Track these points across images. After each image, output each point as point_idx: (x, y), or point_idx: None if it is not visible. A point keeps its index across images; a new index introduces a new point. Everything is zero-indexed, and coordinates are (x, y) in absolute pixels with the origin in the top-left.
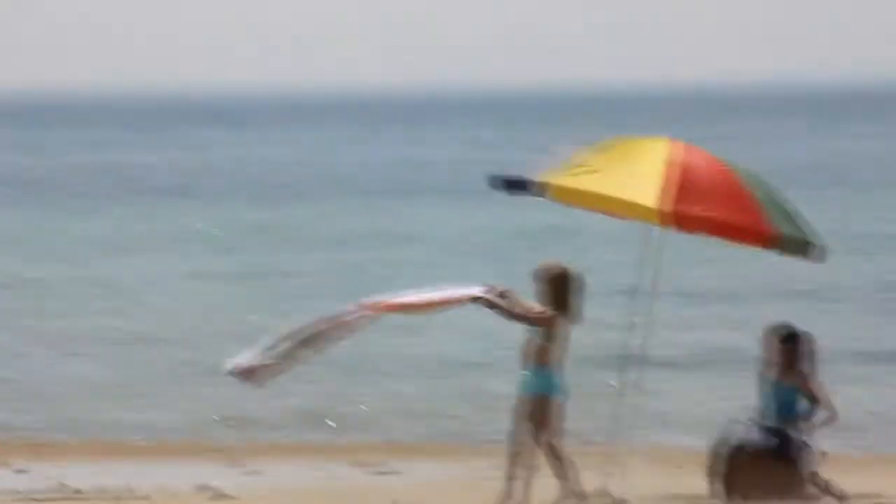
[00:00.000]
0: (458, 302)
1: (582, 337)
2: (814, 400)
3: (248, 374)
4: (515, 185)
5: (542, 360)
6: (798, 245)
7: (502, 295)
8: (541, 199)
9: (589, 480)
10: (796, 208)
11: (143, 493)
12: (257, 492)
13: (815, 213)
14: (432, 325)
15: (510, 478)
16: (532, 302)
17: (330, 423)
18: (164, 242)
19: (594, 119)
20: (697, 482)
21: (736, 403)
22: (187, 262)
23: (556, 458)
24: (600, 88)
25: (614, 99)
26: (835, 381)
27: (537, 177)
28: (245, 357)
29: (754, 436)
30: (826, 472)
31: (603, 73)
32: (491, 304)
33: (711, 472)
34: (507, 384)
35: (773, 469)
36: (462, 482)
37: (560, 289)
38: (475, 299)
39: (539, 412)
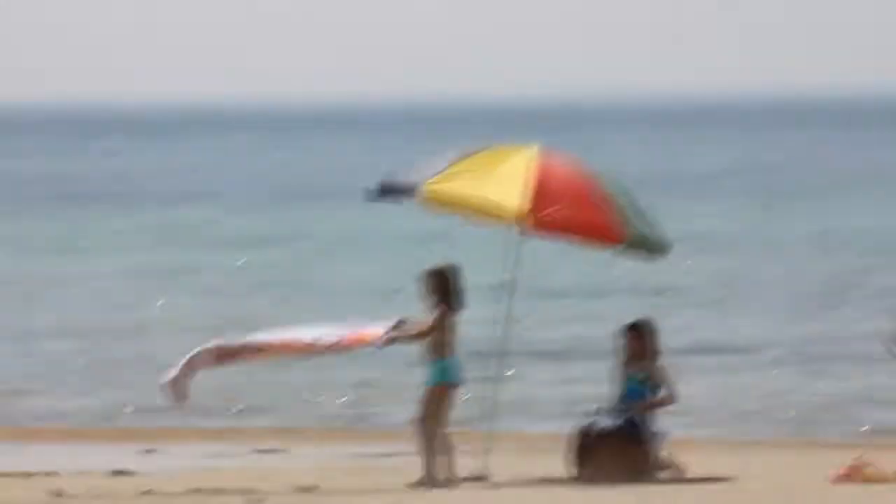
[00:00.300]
0: (360, 345)
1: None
2: (659, 386)
3: (173, 389)
4: (387, 192)
5: (439, 354)
6: (648, 245)
7: (398, 325)
8: (411, 203)
9: (461, 465)
10: (651, 212)
11: (51, 470)
12: (162, 471)
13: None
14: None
15: (429, 460)
16: (424, 316)
17: (232, 408)
18: (80, 243)
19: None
20: (559, 465)
21: (593, 391)
22: (104, 261)
23: (438, 443)
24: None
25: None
26: (679, 371)
27: (408, 184)
28: (170, 373)
29: (608, 421)
30: (669, 452)
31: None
32: (393, 341)
33: (569, 456)
34: (395, 374)
35: (623, 451)
36: (351, 464)
37: (444, 285)
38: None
39: (437, 400)
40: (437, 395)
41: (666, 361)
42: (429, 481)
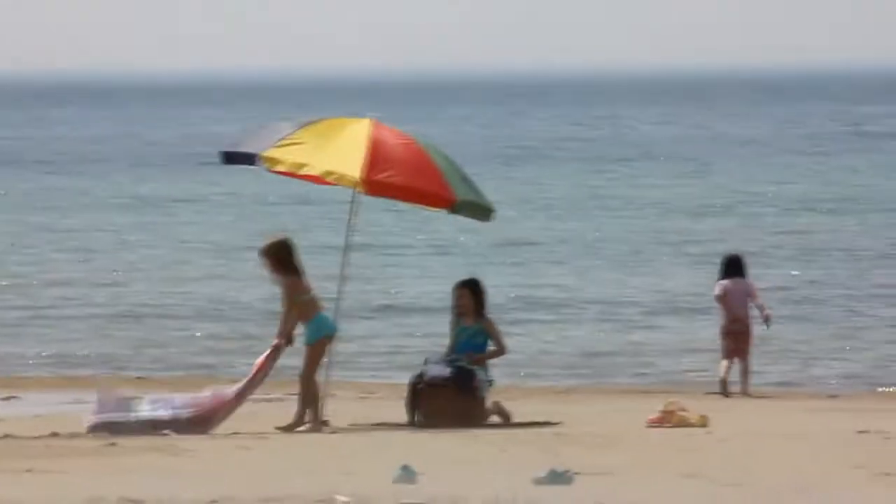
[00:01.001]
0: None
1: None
2: (490, 337)
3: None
4: (234, 158)
5: (308, 316)
6: (474, 209)
7: (278, 346)
8: (256, 167)
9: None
10: (473, 178)
11: None
12: (17, 415)
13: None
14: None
15: (304, 409)
16: (285, 318)
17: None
18: None
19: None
20: (397, 412)
21: (431, 343)
22: None
23: (311, 390)
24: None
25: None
26: (506, 323)
27: (254, 149)
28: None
29: (439, 370)
30: (497, 400)
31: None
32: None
33: (407, 403)
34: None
35: (454, 398)
36: None
37: (285, 256)
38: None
39: (318, 353)
40: (315, 351)
41: (494, 316)
42: (297, 426)
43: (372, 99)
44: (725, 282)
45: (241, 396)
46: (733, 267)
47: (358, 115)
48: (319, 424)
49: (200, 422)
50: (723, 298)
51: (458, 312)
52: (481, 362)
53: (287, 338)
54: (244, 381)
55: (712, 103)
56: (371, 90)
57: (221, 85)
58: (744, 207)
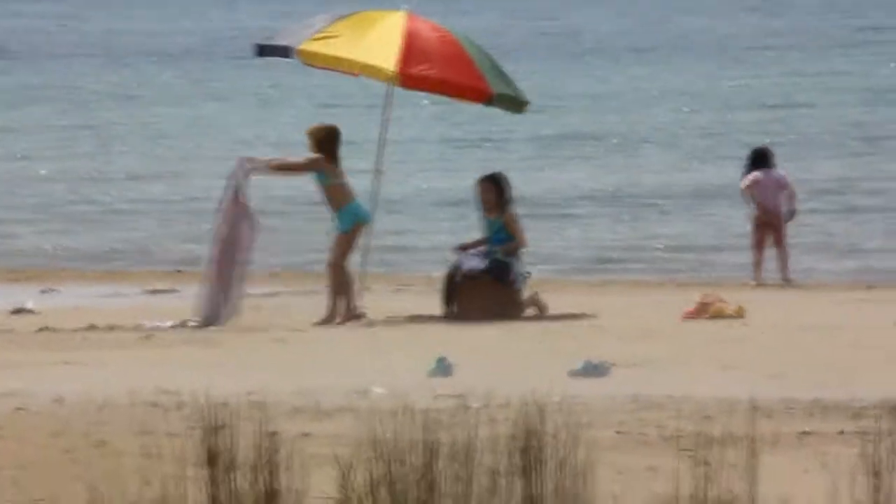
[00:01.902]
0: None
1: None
2: (512, 231)
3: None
4: (268, 51)
5: (341, 202)
6: (510, 102)
7: (250, 161)
8: (291, 60)
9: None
10: (508, 72)
11: None
12: (55, 308)
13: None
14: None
15: (337, 300)
16: (291, 157)
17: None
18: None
19: None
20: (434, 305)
21: (465, 237)
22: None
23: (348, 280)
24: None
25: None
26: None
27: (288, 42)
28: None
29: (474, 262)
30: (534, 291)
31: None
32: (266, 171)
33: (443, 296)
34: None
35: (489, 290)
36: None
37: (329, 143)
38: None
39: (349, 242)
40: (348, 239)
41: (516, 210)
42: (332, 318)
43: None
44: (756, 173)
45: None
46: (761, 159)
47: (393, 6)
48: (352, 314)
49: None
50: (753, 189)
51: (483, 207)
52: (511, 255)
53: (274, 166)
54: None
55: None
56: None
57: None
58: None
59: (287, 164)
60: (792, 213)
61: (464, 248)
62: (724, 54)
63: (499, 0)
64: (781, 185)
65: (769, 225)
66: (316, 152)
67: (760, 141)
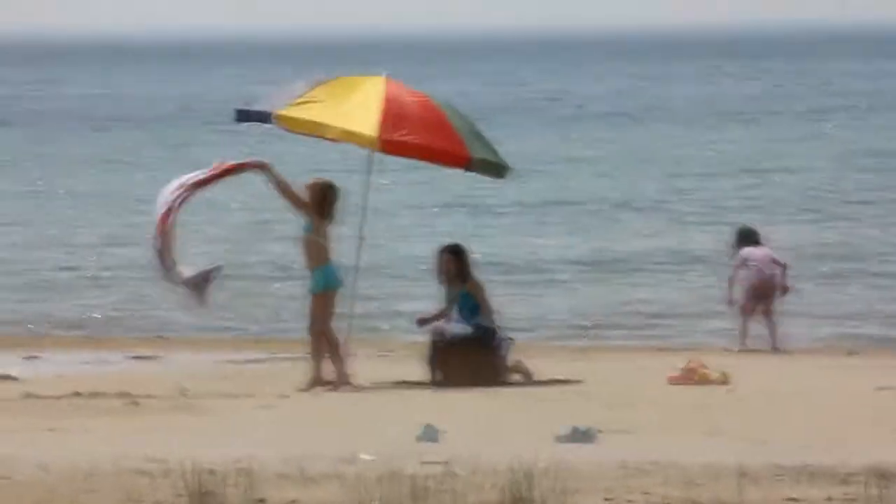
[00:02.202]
0: (237, 170)
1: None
2: (479, 300)
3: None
4: (248, 116)
5: (319, 261)
6: (490, 167)
7: (260, 163)
8: (270, 126)
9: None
10: (489, 137)
11: None
12: (39, 375)
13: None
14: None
15: (316, 363)
16: (295, 187)
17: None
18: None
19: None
20: (418, 370)
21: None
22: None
23: (331, 345)
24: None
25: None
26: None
27: (268, 107)
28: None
29: (458, 328)
30: (518, 358)
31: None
32: (266, 171)
33: (427, 361)
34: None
35: (474, 356)
36: (224, 370)
37: (325, 198)
38: (250, 166)
39: (325, 306)
40: (323, 302)
41: (482, 279)
42: (317, 383)
43: (382, 56)
44: (748, 248)
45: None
46: (748, 237)
47: (371, 72)
48: (345, 379)
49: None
50: (747, 263)
51: (445, 278)
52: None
53: (260, 165)
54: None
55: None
56: (379, 47)
57: (222, 43)
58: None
59: (287, 187)
60: (786, 289)
61: (424, 320)
62: (702, 120)
63: (477, 65)
64: (775, 261)
65: (763, 295)
66: (318, 208)
67: (742, 212)
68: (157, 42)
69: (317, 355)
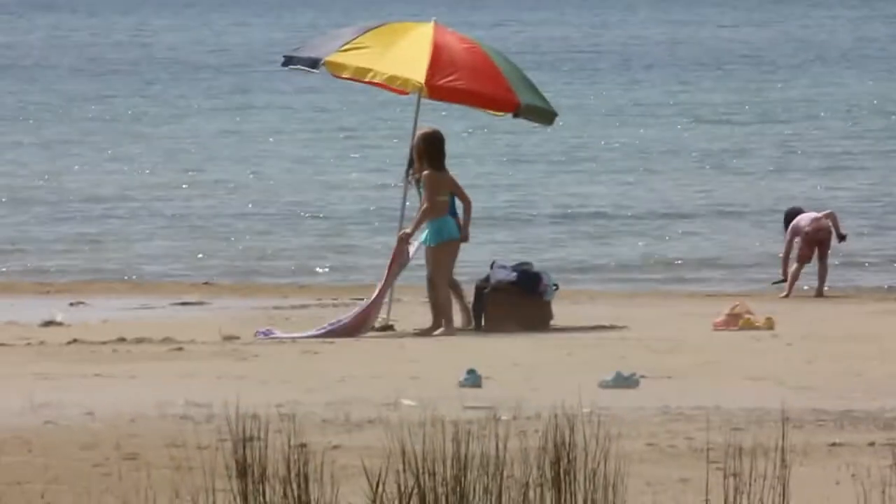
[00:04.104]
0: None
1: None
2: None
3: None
4: (296, 61)
5: (436, 214)
6: (539, 113)
7: (403, 238)
8: (318, 72)
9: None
10: (535, 82)
11: None
12: (85, 321)
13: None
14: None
15: (439, 313)
16: (421, 215)
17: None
18: None
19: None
20: (460, 317)
21: (498, 253)
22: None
23: (456, 290)
24: None
25: None
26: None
27: (316, 54)
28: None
29: (506, 274)
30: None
31: None
32: (408, 240)
33: (473, 307)
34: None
35: (521, 302)
36: (269, 314)
37: (434, 147)
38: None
39: (436, 259)
40: (436, 254)
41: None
42: (432, 331)
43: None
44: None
45: (379, 297)
46: (794, 217)
47: (420, 18)
48: (452, 328)
49: (349, 331)
50: (799, 225)
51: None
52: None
53: (411, 232)
54: (379, 284)
55: None
56: None
57: None
58: None
59: (423, 219)
60: (842, 237)
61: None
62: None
63: (520, 12)
64: (825, 215)
65: (819, 241)
66: (420, 158)
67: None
68: None
69: (434, 305)
